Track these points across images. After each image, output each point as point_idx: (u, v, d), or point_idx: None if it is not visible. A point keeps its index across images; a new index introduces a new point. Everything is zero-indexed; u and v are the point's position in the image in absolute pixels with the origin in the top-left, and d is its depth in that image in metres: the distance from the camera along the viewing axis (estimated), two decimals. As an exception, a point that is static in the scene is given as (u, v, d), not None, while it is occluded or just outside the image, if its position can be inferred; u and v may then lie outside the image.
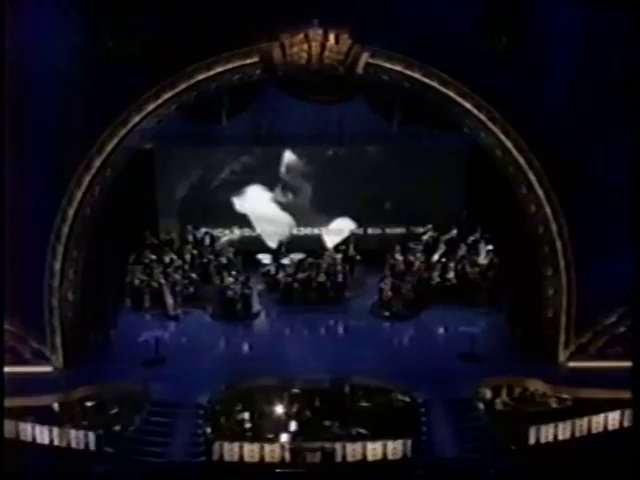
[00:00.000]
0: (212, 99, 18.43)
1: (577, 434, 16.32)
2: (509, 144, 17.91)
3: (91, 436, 16.13)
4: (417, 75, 17.78)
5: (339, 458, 15.82)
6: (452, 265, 21.43)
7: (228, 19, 17.25)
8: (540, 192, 17.86)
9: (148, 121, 17.93)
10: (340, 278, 21.52)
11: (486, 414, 17.38)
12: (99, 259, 18.86)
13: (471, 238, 22.06)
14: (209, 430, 16.76)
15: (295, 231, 23.14)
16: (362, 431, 17.34)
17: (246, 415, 17.97)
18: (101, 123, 17.60)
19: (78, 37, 17.34)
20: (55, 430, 16.24)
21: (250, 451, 15.79)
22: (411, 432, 16.32)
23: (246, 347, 19.75)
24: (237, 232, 23.17)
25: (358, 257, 22.26)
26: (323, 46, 17.42)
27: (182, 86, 17.73)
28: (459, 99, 17.88)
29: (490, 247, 21.62)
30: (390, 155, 22.53)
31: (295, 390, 18.03)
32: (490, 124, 17.92)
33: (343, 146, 22.15)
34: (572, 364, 18.20)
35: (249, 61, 17.72)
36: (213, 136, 21.26)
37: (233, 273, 21.44)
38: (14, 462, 14.72)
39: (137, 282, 21.05)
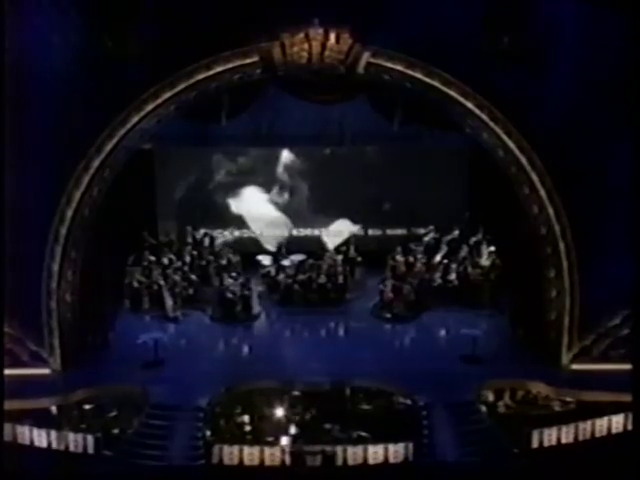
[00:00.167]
0: (212, 99, 18.36)
1: (580, 437, 16.24)
2: (511, 144, 17.83)
3: (89, 439, 16.05)
4: (418, 75, 17.70)
5: (340, 461, 15.74)
6: (454, 266, 21.38)
7: (228, 18, 17.21)
8: (542, 193, 17.78)
9: (147, 121, 17.85)
10: (341, 279, 21.48)
11: (488, 417, 17.34)
12: (98, 260, 18.80)
13: (473, 239, 22.01)
14: (209, 433, 16.71)
15: (295, 232, 23.13)
16: (363, 434, 17.29)
17: (246, 418, 17.92)
18: (100, 123, 17.54)
19: (77, 37, 17.28)
20: (53, 433, 16.15)
21: (250, 454, 15.72)
22: (412, 435, 16.24)
23: (246, 349, 19.71)
24: (237, 233, 23.15)
25: (359, 258, 22.22)
26: (324, 45, 17.33)
27: (181, 86, 17.65)
28: (461, 99, 17.80)
29: (492, 248, 21.57)
30: (391, 155, 22.47)
31: (295, 392, 17.99)
32: (492, 124, 17.84)
33: (344, 146, 22.13)
34: (575, 366, 18.13)
35: (249, 61, 17.64)
36: (213, 136, 21.30)
37: (233, 274, 21.42)
38: (12, 465, 14.59)
39: (136, 283, 21.01)
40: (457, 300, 20.92)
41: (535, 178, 17.79)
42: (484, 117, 17.83)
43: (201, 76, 17.62)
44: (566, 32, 17.28)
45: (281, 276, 21.59)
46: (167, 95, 17.64)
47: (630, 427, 15.95)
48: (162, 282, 20.87)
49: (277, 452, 15.78)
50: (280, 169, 22.80)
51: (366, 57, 17.55)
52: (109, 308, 19.93)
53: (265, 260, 22.32)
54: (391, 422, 17.41)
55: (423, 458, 15.93)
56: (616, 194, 17.21)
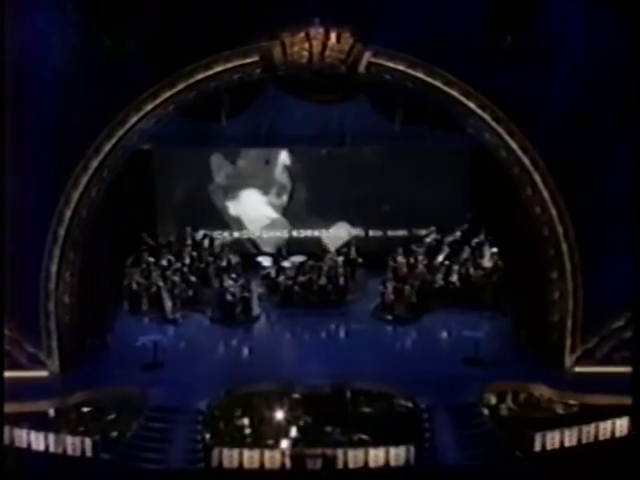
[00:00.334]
0: (211, 99, 18.28)
1: (584, 441, 16.15)
2: (513, 144, 17.75)
3: (88, 442, 15.96)
4: (420, 74, 17.62)
5: (340, 465, 15.65)
6: (456, 268, 21.32)
7: (228, 17, 17.12)
8: (545, 193, 17.70)
9: (146, 121, 17.77)
10: (341, 281, 21.42)
11: (490, 420, 17.23)
12: (96, 261, 18.76)
13: (475, 240, 21.94)
14: (208, 436, 16.67)
15: (295, 233, 23.10)
16: (364, 437, 17.19)
17: (246, 421, 17.83)
18: (99, 123, 17.47)
19: (76, 36, 17.22)
20: (51, 436, 16.06)
21: (250, 457, 15.66)
22: (414, 438, 16.15)
23: (246, 351, 19.65)
24: (236, 234, 23.12)
25: (360, 260, 22.14)
26: (324, 45, 17.25)
27: (181, 86, 17.57)
28: (463, 99, 17.71)
29: (494, 250, 21.50)
30: (392, 156, 22.39)
31: (296, 395, 17.89)
32: (494, 124, 17.77)
33: (345, 146, 22.02)
34: (578, 369, 18.06)
35: (249, 60, 17.56)
36: (212, 136, 21.23)
37: (233, 276, 21.36)
38: (9, 469, 14.55)
39: (135, 285, 20.96)
40: (459, 302, 20.85)
41: (538, 179, 17.70)
42: (486, 117, 17.75)
43: (201, 76, 17.52)
44: (569, 32, 17.22)
45: (281, 277, 21.53)
46: (166, 95, 17.56)
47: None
48: (161, 283, 20.80)
49: (277, 455, 15.72)
50: (280, 170, 22.77)
51: (367, 57, 17.46)
52: (108, 310, 19.86)
53: (265, 261, 22.27)
54: (392, 425, 17.34)
55: (424, 461, 15.82)
56: (620, 195, 17.12)
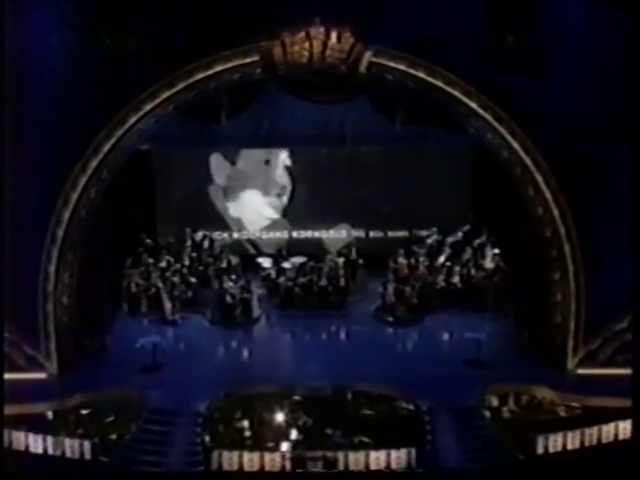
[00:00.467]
0: (211, 99, 18.23)
1: (587, 443, 16.04)
2: (515, 145, 17.69)
3: (86, 445, 15.86)
4: (421, 74, 17.56)
5: (341, 467, 15.55)
6: (457, 269, 21.25)
7: (228, 17, 17.06)
8: (548, 194, 17.64)
9: (146, 121, 17.70)
10: (342, 282, 21.35)
11: (492, 422, 17.16)
12: (95, 262, 18.66)
13: (477, 241, 21.86)
14: (208, 438, 16.62)
15: (296, 234, 23.04)
16: (365, 439, 17.14)
17: (246, 423, 17.76)
18: (98, 123, 17.41)
19: (75, 36, 17.15)
20: (49, 439, 15.95)
21: (250, 460, 15.56)
22: (415, 441, 16.07)
23: (246, 353, 19.63)
24: (236, 235, 23.08)
25: (360, 261, 22.08)
26: (325, 45, 17.20)
27: (181, 85, 17.50)
28: (464, 99, 17.66)
29: (496, 250, 21.42)
30: (393, 156, 22.30)
31: (296, 397, 17.84)
32: (496, 124, 17.71)
33: (345, 147, 21.96)
34: (581, 371, 18.02)
35: (249, 60, 17.50)
36: (212, 137, 21.16)
37: (233, 277, 21.28)
38: (7, 472, 14.46)
39: (134, 286, 20.89)
40: (460, 303, 20.79)
41: (540, 179, 17.65)
42: (488, 117, 17.70)
43: (200, 75, 17.47)
44: (571, 31, 17.16)
45: (282, 279, 21.46)
46: (166, 95, 17.50)
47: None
48: (161, 285, 20.74)
49: (277, 458, 15.62)
50: (281, 170, 22.70)
51: (368, 56, 17.40)
52: (107, 311, 19.77)
53: (265, 262, 22.22)
54: (393, 427, 17.27)
55: (426, 464, 15.73)
56: (623, 196, 17.05)
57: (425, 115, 18.91)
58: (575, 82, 17.24)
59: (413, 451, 15.62)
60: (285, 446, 16.96)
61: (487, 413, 17.38)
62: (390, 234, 23.02)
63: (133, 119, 17.47)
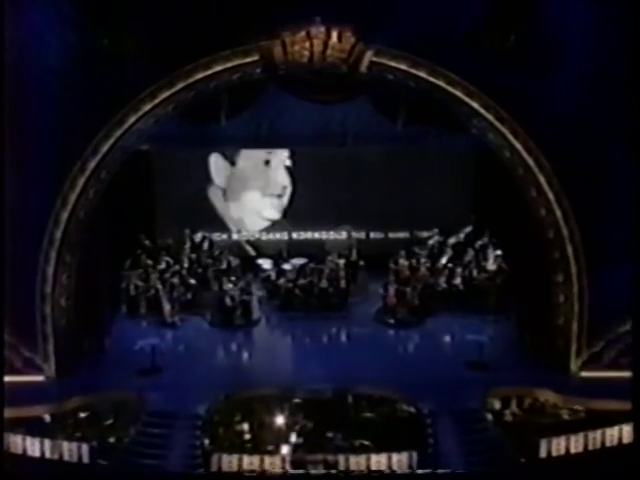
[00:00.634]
0: (211, 99, 18.19)
1: (590, 447, 15.97)
2: (518, 145, 17.64)
3: (84, 448, 15.78)
4: (422, 74, 17.50)
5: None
6: (459, 270, 21.21)
7: (227, 16, 17.01)
8: (550, 195, 17.59)
9: (145, 121, 17.66)
10: (343, 284, 21.31)
11: (495, 425, 17.13)
12: (93, 264, 18.64)
13: (479, 242, 21.84)
14: (207, 441, 16.61)
15: (296, 235, 22.99)
16: (366, 443, 17.08)
17: (245, 426, 17.70)
18: (97, 123, 17.37)
19: (74, 36, 17.13)
20: (47, 442, 15.87)
21: (250, 463, 15.51)
22: (416, 444, 16.04)
23: (246, 355, 19.63)
24: (236, 236, 23.04)
25: (361, 262, 22.04)
26: (325, 44, 17.16)
27: (180, 85, 17.46)
28: (466, 99, 17.60)
29: (498, 252, 21.38)
30: (394, 156, 22.23)
31: (296, 400, 17.78)
32: (498, 124, 17.66)
33: (346, 147, 21.85)
34: (584, 374, 17.96)
35: (249, 60, 17.46)
36: (212, 137, 21.00)
37: (232, 279, 21.25)
38: (4, 476, 14.43)
39: (133, 288, 20.86)
40: (462, 305, 20.76)
41: (542, 180, 17.59)
42: (490, 117, 17.65)
43: (200, 75, 17.42)
44: (573, 31, 17.11)
45: (282, 280, 21.42)
46: (165, 95, 17.45)
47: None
48: (160, 286, 20.70)
49: (277, 461, 15.60)
50: (281, 171, 22.63)
51: (369, 56, 17.35)
52: (105, 313, 19.74)
53: (265, 264, 22.19)
54: (394, 430, 17.20)
55: (427, 467, 15.65)
56: (626, 197, 16.96)
57: (426, 115, 18.84)
58: (577, 82, 17.18)
59: (414, 454, 15.56)
60: (285, 449, 16.90)
61: (489, 416, 17.34)
62: (391, 235, 22.98)
63: (132, 119, 17.43)
